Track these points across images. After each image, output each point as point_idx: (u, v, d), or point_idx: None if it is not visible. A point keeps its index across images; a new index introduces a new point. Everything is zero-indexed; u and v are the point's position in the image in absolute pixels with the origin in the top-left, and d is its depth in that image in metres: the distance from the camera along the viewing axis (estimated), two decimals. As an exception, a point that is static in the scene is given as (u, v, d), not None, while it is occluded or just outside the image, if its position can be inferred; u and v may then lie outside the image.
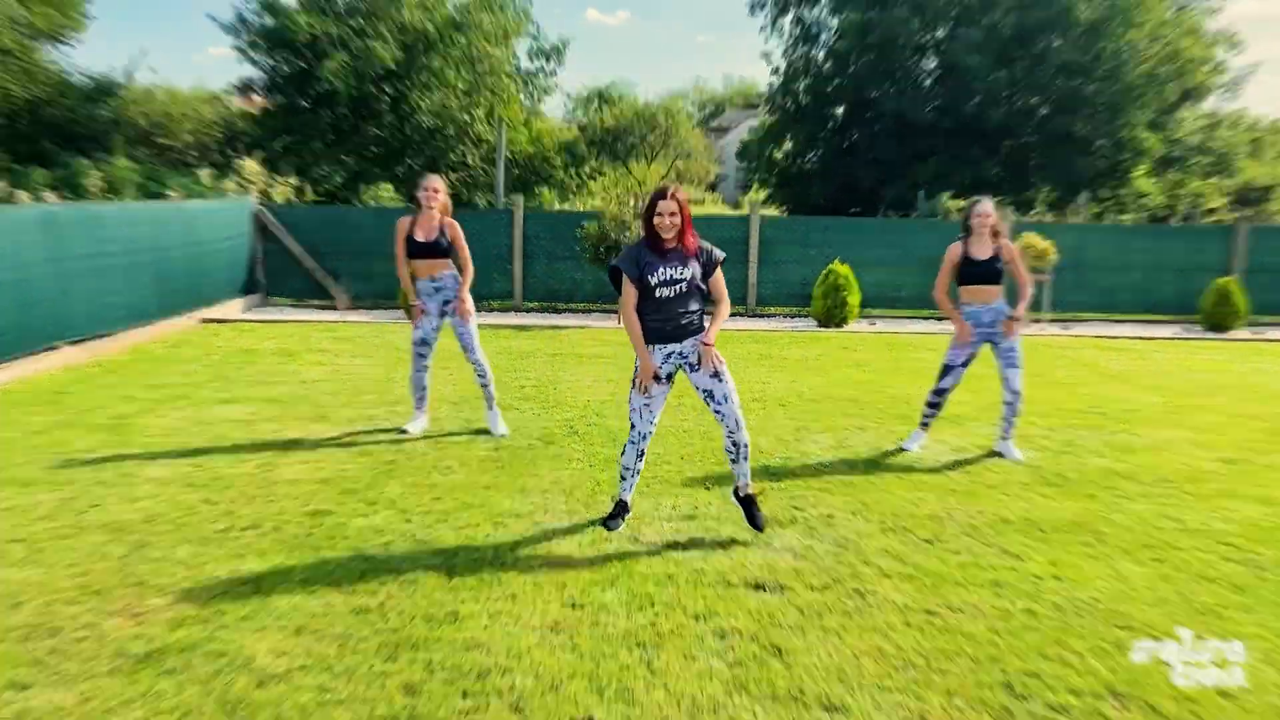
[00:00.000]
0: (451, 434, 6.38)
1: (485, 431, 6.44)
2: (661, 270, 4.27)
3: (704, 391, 4.43)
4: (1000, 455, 6.16)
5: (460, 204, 21.79)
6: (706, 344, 4.33)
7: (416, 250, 6.19)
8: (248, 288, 12.76)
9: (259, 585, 3.87)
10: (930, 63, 24.92)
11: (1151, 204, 24.80)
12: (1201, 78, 23.09)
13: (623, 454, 4.55)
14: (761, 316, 13.22)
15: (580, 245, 12.26)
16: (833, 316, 12.02)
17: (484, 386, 6.43)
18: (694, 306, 4.36)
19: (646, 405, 4.40)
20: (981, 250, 6.00)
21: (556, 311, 13.35)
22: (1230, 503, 5.25)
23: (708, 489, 5.29)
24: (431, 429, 6.48)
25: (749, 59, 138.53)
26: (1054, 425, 7.01)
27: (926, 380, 8.58)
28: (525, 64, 23.12)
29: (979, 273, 5.99)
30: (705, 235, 4.55)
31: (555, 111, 38.78)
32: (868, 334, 11.73)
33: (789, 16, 25.98)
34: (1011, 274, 6.05)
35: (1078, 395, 8.11)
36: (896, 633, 3.60)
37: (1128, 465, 5.99)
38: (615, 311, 12.89)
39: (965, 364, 6.19)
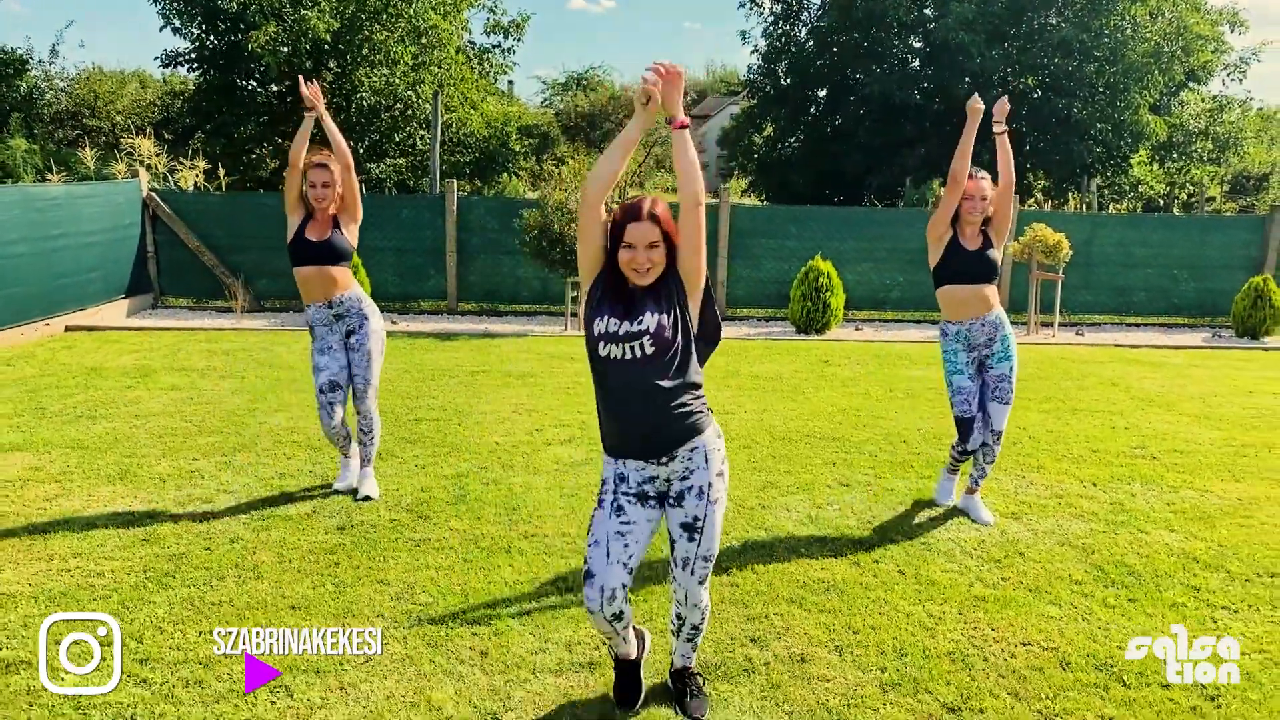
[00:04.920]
0: (293, 499, 4.69)
1: (351, 490, 4.78)
2: (607, 316, 2.52)
3: (673, 543, 2.72)
4: (966, 514, 4.72)
5: (407, 190, 19.98)
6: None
7: (306, 254, 4.50)
8: (135, 288, 10.96)
9: None
10: (918, 41, 23.23)
11: (1149, 192, 23.32)
12: (1207, 57, 21.52)
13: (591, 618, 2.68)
14: (733, 320, 11.55)
15: (520, 238, 10.54)
16: (813, 321, 10.38)
17: (364, 445, 4.80)
18: (670, 381, 2.54)
19: (618, 534, 2.55)
20: (970, 238, 4.44)
21: (497, 314, 11.63)
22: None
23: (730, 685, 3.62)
24: (270, 489, 4.79)
25: (737, 45, 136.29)
26: (1095, 477, 5.40)
27: (925, 408, 6.98)
28: (482, 40, 21.31)
29: (970, 266, 4.40)
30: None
31: (532, 100, 36.98)
32: (853, 343, 10.07)
33: (769, -10, 24.22)
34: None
35: (1115, 430, 6.51)
36: None
37: (1208, 545, 4.38)
38: (561, 314, 11.18)
39: (982, 406, 4.61)
